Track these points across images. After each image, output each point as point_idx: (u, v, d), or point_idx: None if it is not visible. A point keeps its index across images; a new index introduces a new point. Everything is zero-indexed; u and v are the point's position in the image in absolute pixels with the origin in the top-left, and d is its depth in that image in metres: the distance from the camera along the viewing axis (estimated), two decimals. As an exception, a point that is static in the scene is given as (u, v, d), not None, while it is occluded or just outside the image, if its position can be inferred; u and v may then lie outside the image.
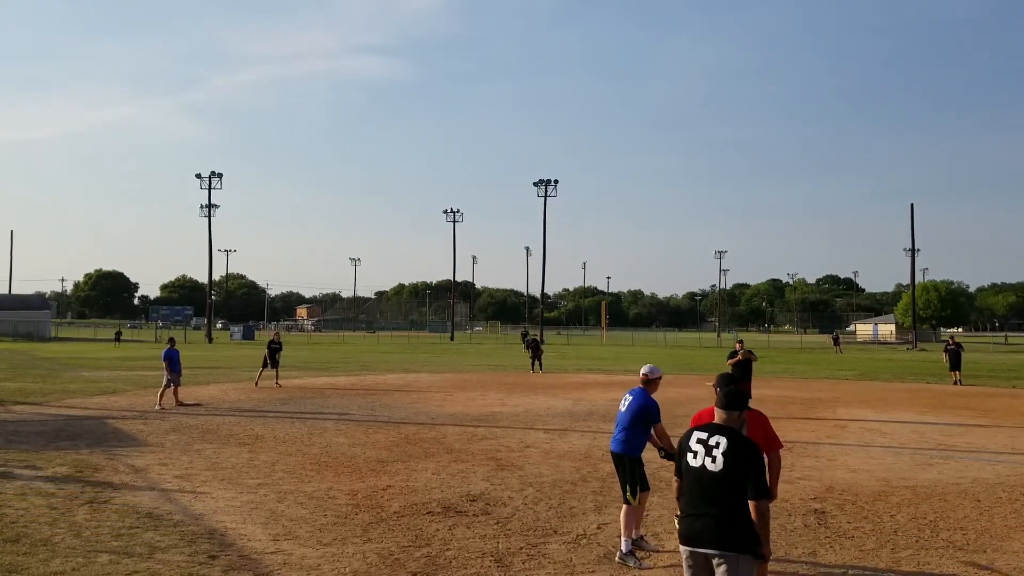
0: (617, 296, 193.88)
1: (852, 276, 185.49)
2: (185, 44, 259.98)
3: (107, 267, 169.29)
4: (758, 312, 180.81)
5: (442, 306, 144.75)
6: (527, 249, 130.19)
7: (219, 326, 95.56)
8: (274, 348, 22.19)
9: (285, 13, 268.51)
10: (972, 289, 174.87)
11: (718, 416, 4.25)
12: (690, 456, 4.10)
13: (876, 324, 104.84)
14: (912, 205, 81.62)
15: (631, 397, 6.53)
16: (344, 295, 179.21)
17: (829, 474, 9.90)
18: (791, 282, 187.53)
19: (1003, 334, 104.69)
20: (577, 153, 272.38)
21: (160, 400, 16.65)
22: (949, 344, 25.96)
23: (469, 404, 17.88)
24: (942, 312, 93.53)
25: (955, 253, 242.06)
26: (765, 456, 5.15)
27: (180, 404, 16.82)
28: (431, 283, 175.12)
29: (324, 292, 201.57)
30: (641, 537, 6.69)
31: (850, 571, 6.13)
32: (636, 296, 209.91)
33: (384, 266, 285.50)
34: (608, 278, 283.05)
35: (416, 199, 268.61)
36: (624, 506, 6.45)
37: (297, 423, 14.29)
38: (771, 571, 5.83)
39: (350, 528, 7.18)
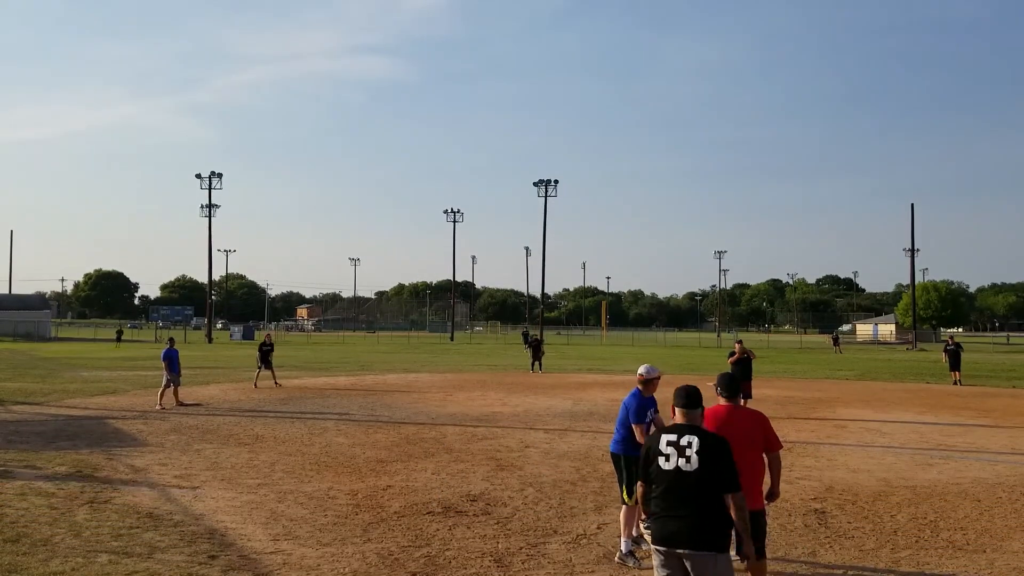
0: (617, 296, 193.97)
1: (852, 276, 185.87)
2: (185, 44, 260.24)
3: (107, 267, 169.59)
4: (758, 312, 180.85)
5: (442, 306, 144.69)
6: (527, 249, 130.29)
7: (219, 326, 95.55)
8: (266, 350, 22.19)
9: (286, 13, 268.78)
10: (972, 289, 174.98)
11: (682, 416, 4.28)
12: (662, 460, 4.09)
13: (876, 324, 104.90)
14: (912, 205, 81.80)
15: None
16: (344, 295, 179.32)
17: (829, 474, 9.90)
18: (791, 282, 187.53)
19: (1004, 334, 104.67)
20: (577, 153, 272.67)
21: (160, 400, 16.65)
22: (949, 344, 25.96)
23: (469, 404, 17.88)
24: (942, 312, 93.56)
25: (955, 253, 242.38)
26: (765, 456, 5.18)
27: (180, 404, 16.82)
28: (431, 283, 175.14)
29: (324, 292, 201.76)
30: (640, 536, 6.69)
31: (850, 571, 6.13)
32: (636, 296, 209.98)
33: (384, 266, 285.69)
34: (608, 278, 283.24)
35: (416, 199, 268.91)
36: (623, 506, 6.45)
37: (297, 423, 14.29)
38: (771, 571, 5.83)
39: (350, 528, 7.18)
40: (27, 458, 10.47)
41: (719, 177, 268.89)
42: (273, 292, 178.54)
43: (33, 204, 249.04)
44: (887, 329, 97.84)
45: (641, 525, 5.17)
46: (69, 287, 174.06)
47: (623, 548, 6.30)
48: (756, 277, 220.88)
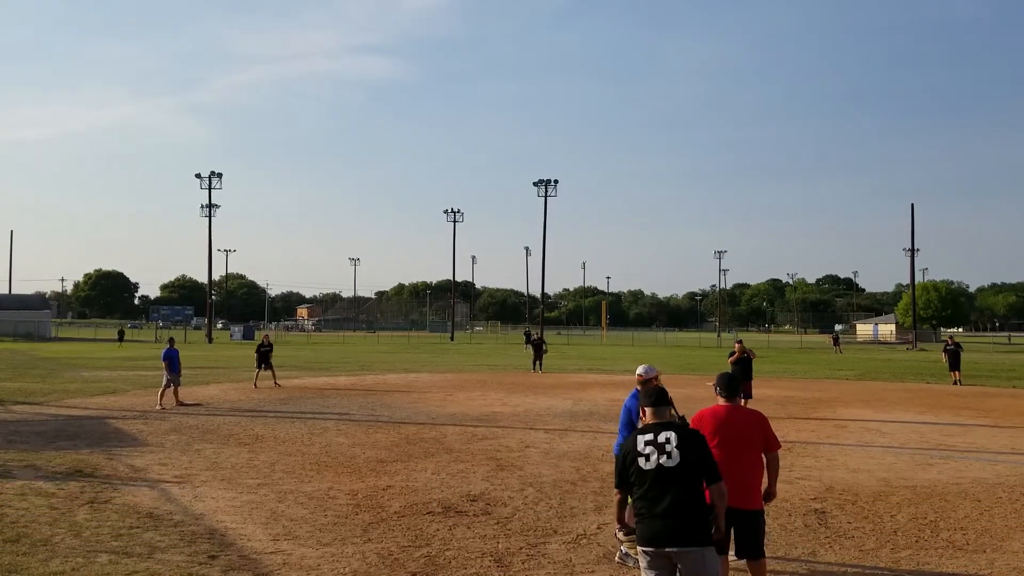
0: (617, 296, 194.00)
1: (852, 276, 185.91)
2: (185, 44, 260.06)
3: (107, 267, 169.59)
4: (758, 312, 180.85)
5: (442, 306, 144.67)
6: (527, 249, 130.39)
7: (219, 326, 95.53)
8: (264, 351, 22.19)
9: (286, 13, 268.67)
10: (972, 289, 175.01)
11: (652, 415, 4.31)
12: (642, 460, 4.10)
13: (876, 324, 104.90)
14: (912, 205, 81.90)
15: None
16: (344, 295, 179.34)
17: (829, 474, 9.90)
18: (791, 282, 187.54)
19: (1005, 334, 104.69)
20: (577, 153, 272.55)
21: (160, 400, 16.65)
22: (948, 344, 25.97)
23: (469, 404, 17.88)
24: (942, 312, 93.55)
25: (955, 253, 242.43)
26: (764, 456, 5.18)
27: (180, 404, 16.82)
28: (431, 283, 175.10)
29: (324, 292, 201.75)
30: (627, 554, 6.67)
31: (850, 571, 6.13)
32: (636, 296, 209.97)
33: (384, 266, 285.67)
34: (608, 278, 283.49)
35: (416, 199, 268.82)
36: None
37: (297, 423, 14.29)
38: (771, 571, 5.84)
39: (350, 528, 7.18)
40: (27, 458, 10.48)
41: (719, 177, 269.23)
42: (273, 292, 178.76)
43: (33, 204, 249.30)
44: (887, 329, 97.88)
45: (619, 534, 5.10)
46: (69, 287, 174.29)
47: (623, 548, 6.30)
48: (756, 277, 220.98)
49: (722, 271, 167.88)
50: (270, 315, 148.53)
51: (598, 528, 7.27)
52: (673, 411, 5.71)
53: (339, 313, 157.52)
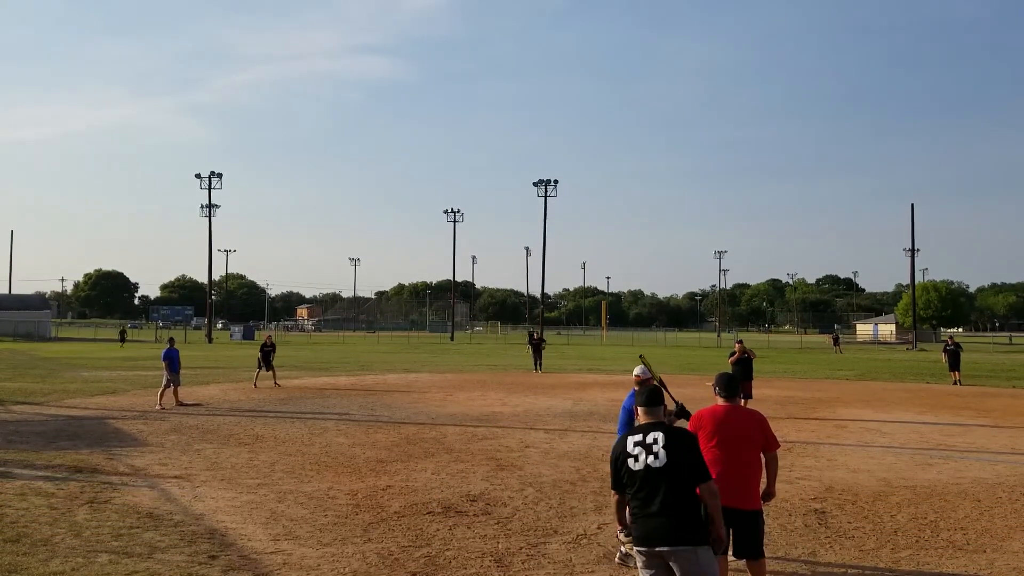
0: (617, 296, 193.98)
1: (852, 276, 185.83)
2: (185, 44, 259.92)
3: (107, 267, 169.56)
4: (758, 312, 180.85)
5: (442, 306, 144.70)
6: (527, 249, 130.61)
7: (219, 326, 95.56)
8: (267, 351, 22.20)
9: (286, 13, 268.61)
10: (972, 289, 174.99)
11: (644, 415, 4.31)
12: (631, 461, 4.12)
13: (876, 324, 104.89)
14: (912, 205, 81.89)
15: None
16: (344, 295, 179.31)
17: (829, 474, 9.90)
18: (791, 282, 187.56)
19: (1006, 334, 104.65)
20: (577, 153, 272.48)
21: (160, 400, 16.65)
22: (948, 344, 25.97)
23: (469, 404, 17.88)
24: (942, 312, 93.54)
25: (955, 253, 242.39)
26: (763, 456, 5.18)
27: (180, 404, 16.82)
28: (431, 283, 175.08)
29: (324, 292, 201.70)
30: (627, 555, 6.67)
31: (850, 571, 6.13)
32: (636, 296, 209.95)
33: (384, 266, 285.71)
34: (608, 278, 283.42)
35: (416, 199, 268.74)
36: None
37: (297, 423, 14.29)
38: (771, 571, 5.84)
39: (350, 528, 7.19)
40: (27, 458, 10.48)
41: (719, 177, 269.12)
42: (273, 292, 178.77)
43: (33, 204, 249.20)
44: (887, 329, 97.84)
45: (620, 535, 5.12)
46: (69, 287, 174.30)
47: (623, 549, 6.30)
48: (756, 277, 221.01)
49: (722, 271, 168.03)
50: (270, 315, 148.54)
51: (598, 528, 7.28)
52: (673, 402, 5.71)
53: (339, 313, 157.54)
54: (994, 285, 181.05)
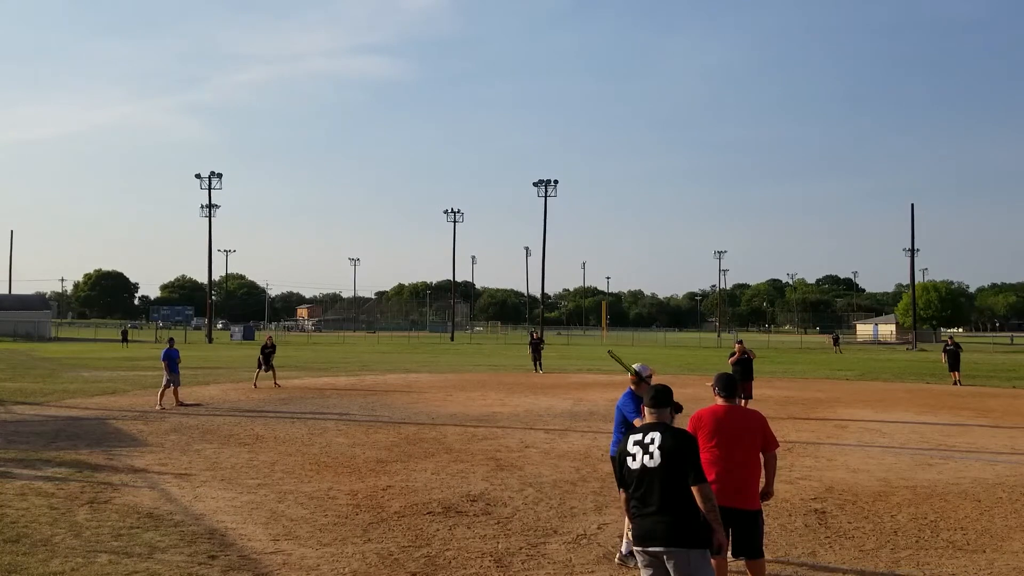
0: (617, 296, 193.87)
1: (852, 276, 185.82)
2: (186, 44, 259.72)
3: (107, 267, 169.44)
4: (758, 312, 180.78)
5: (442, 306, 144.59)
6: (527, 249, 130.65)
7: (219, 326, 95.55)
8: (267, 352, 22.20)
9: (286, 13, 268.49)
10: (972, 289, 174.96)
11: (650, 415, 4.31)
12: (629, 460, 4.14)
13: (876, 324, 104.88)
14: (912, 205, 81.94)
15: None
16: (344, 295, 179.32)
17: (829, 474, 9.90)
18: (791, 282, 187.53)
19: (1007, 334, 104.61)
20: (577, 153, 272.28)
21: (160, 400, 16.65)
22: (948, 345, 25.97)
23: (469, 404, 17.88)
24: (942, 312, 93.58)
25: (955, 253, 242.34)
26: (762, 455, 5.18)
27: (180, 404, 16.82)
28: (431, 283, 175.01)
29: (324, 292, 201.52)
30: (631, 553, 6.67)
31: (850, 571, 6.13)
32: (636, 296, 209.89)
33: (384, 266, 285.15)
34: (608, 278, 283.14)
35: (416, 199, 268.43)
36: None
37: (297, 423, 14.30)
38: (771, 571, 5.84)
39: (350, 528, 7.19)
40: (27, 458, 10.48)
41: (719, 177, 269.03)
42: (273, 292, 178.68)
43: (33, 204, 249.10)
44: (887, 329, 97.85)
45: (628, 533, 5.14)
46: (69, 287, 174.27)
47: (623, 549, 6.29)
48: (756, 277, 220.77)
49: (722, 271, 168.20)
50: (270, 315, 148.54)
51: (598, 528, 7.28)
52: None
53: (339, 313, 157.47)
54: (994, 285, 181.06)
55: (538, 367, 29.92)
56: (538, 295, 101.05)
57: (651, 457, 4.05)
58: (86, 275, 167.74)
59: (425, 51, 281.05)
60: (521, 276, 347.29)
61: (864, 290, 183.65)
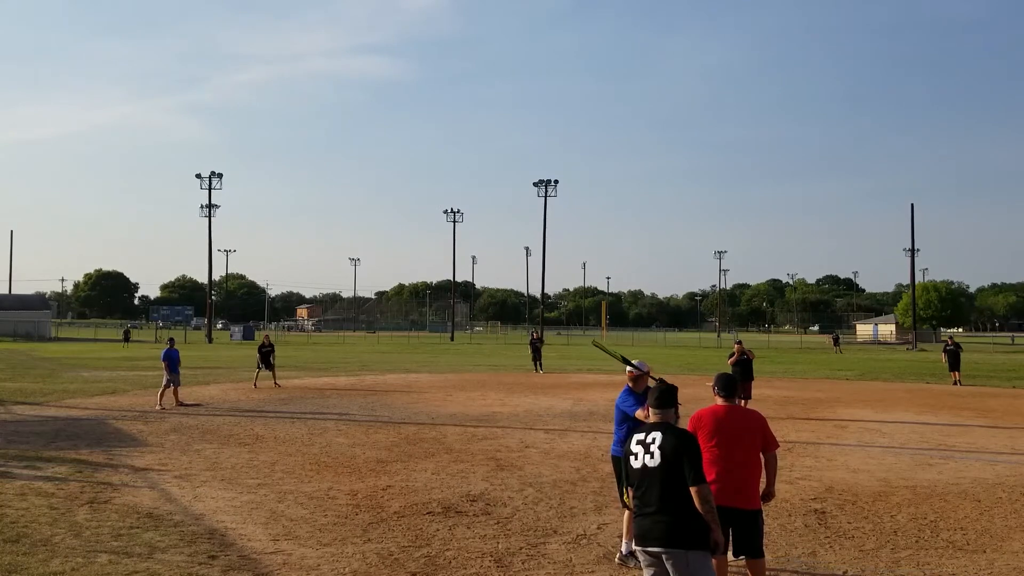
0: (617, 296, 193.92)
1: (852, 276, 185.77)
2: (186, 44, 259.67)
3: (107, 267, 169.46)
4: (758, 312, 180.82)
5: (442, 306, 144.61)
6: (527, 249, 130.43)
7: (219, 326, 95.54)
8: (266, 352, 22.19)
9: (286, 13, 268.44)
10: (972, 289, 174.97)
11: (655, 415, 4.32)
12: (632, 459, 4.16)
13: (876, 324, 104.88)
14: (912, 205, 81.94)
15: None
16: (344, 295, 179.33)
17: (829, 474, 9.90)
18: (791, 282, 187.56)
19: (1008, 335, 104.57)
20: (577, 153, 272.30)
21: (160, 400, 16.65)
22: (948, 345, 25.98)
23: (469, 404, 17.88)
24: (942, 312, 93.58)
25: (955, 253, 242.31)
26: (762, 455, 5.18)
27: (180, 404, 16.82)
28: (431, 283, 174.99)
29: (324, 292, 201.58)
30: (632, 553, 6.67)
31: (850, 571, 6.13)
32: (636, 296, 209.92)
33: (384, 266, 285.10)
34: (608, 278, 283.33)
35: (416, 199, 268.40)
36: (625, 508, 6.44)
37: (297, 423, 14.29)
38: (771, 571, 5.84)
39: (350, 528, 7.19)
40: (27, 458, 10.48)
41: (719, 177, 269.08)
42: (273, 292, 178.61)
43: (33, 204, 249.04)
44: (887, 329, 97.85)
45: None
46: (69, 287, 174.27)
47: (623, 549, 6.29)
48: (756, 277, 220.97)
49: (722, 271, 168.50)
50: (270, 315, 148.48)
51: (598, 528, 7.28)
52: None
53: (339, 313, 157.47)
54: (994, 285, 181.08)
55: (538, 367, 29.93)
56: (538, 295, 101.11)
57: (652, 457, 4.06)
58: (86, 275, 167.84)
59: (425, 51, 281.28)
60: (521, 276, 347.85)
61: (864, 290, 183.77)
